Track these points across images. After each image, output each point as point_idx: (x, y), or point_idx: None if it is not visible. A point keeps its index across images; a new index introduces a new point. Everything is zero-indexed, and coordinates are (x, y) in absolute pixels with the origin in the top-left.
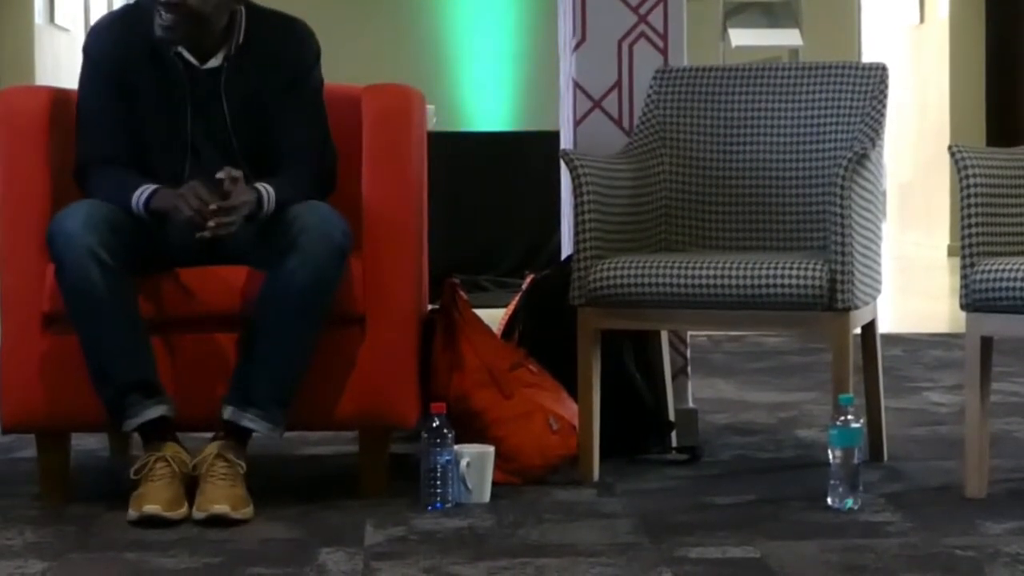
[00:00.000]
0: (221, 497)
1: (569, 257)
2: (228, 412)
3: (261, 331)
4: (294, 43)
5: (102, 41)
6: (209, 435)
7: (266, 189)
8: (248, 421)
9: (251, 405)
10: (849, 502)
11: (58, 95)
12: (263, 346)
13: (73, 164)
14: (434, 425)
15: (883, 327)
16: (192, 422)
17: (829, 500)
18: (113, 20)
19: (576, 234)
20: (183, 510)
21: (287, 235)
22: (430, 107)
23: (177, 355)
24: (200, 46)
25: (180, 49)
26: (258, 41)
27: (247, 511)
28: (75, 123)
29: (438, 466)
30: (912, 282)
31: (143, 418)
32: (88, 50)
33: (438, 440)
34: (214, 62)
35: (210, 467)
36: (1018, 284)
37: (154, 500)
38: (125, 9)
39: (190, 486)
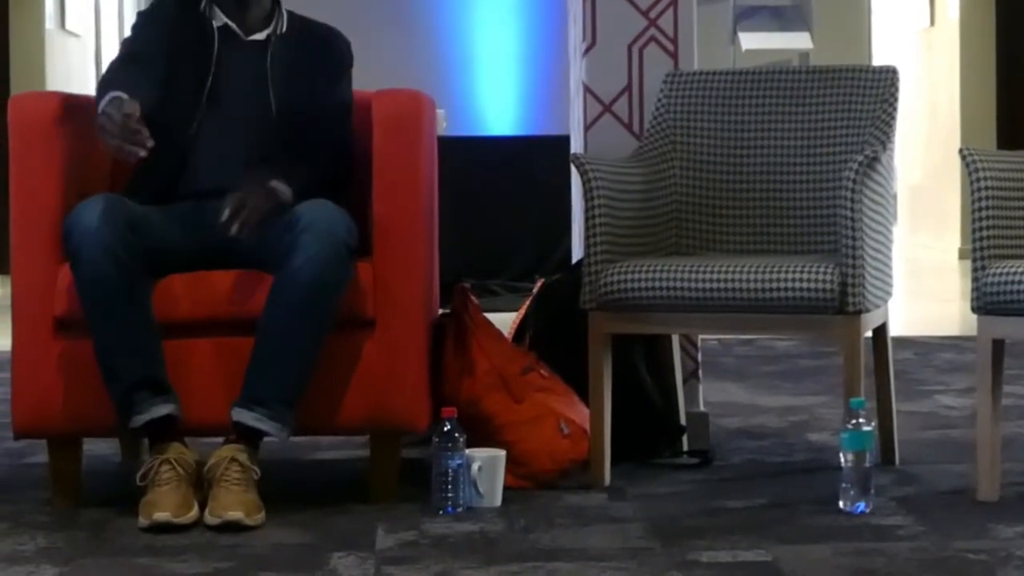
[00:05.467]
0: (234, 503)
1: (580, 261)
2: (236, 413)
3: (268, 330)
4: (334, 45)
5: (156, 6)
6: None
7: (279, 187)
8: (254, 421)
9: (258, 404)
10: (860, 506)
11: (69, 100)
12: (269, 345)
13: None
14: (445, 429)
15: (894, 330)
16: (205, 426)
17: (840, 503)
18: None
19: (586, 238)
20: (193, 513)
21: (291, 234)
22: (440, 112)
23: (191, 358)
24: (248, 17)
25: (227, 21)
26: (300, 36)
27: (260, 517)
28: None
29: (449, 470)
30: (923, 285)
31: (150, 415)
32: (140, 13)
33: (449, 444)
34: (258, 36)
35: (224, 471)
36: None
37: (163, 507)
38: None
39: (198, 485)
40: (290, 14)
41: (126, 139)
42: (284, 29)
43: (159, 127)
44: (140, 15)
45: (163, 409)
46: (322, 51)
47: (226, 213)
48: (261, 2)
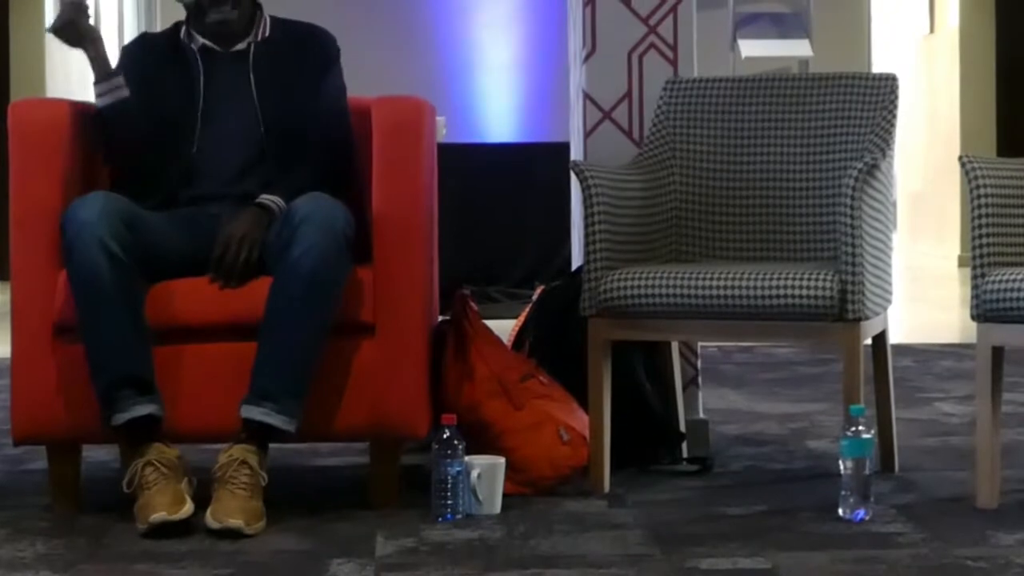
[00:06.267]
0: (237, 510)
1: (579, 268)
2: (244, 410)
3: (271, 323)
4: (317, 41)
5: (126, 55)
6: (221, 446)
7: (271, 200)
8: (263, 415)
9: (265, 399)
10: (860, 513)
11: (69, 107)
12: (273, 339)
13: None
14: (445, 436)
15: (894, 337)
16: (203, 433)
17: (840, 511)
18: (132, 42)
19: (586, 245)
20: (187, 507)
21: (289, 228)
22: (440, 119)
23: (187, 364)
24: (229, 35)
25: (203, 41)
26: (282, 39)
27: (259, 526)
28: None
29: (449, 477)
30: (923, 292)
31: (132, 414)
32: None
33: (449, 451)
34: (240, 47)
35: (232, 473)
36: None
37: (157, 507)
38: (142, 34)
39: (187, 472)
40: (272, 18)
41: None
42: (266, 34)
43: (160, 149)
44: (119, 60)
45: (145, 408)
46: (305, 50)
47: (213, 267)
48: (239, 16)
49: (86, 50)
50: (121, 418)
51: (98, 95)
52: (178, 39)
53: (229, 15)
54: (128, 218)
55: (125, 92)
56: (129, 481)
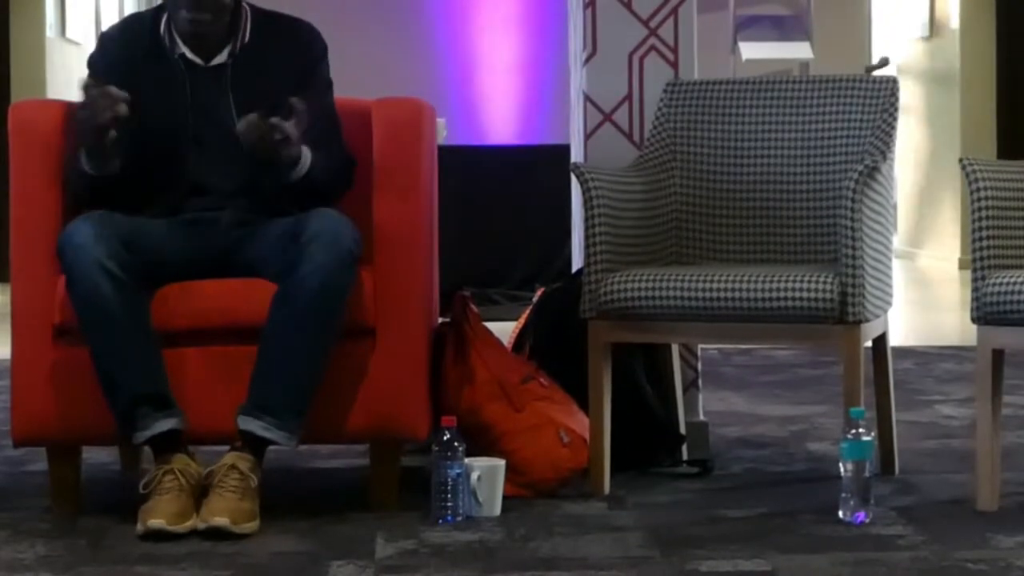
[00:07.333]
0: (223, 509)
1: (580, 270)
2: (243, 421)
3: (275, 339)
4: (301, 40)
5: (105, 52)
6: (226, 448)
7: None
8: (262, 430)
9: (266, 414)
10: (860, 515)
11: (70, 109)
12: (277, 354)
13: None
14: (445, 438)
15: (894, 340)
16: (209, 436)
17: (840, 513)
18: (114, 32)
19: (586, 247)
20: (189, 523)
21: (297, 243)
22: (440, 120)
23: (185, 368)
24: (206, 42)
25: (183, 50)
26: (264, 40)
27: (249, 526)
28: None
29: (449, 479)
30: (923, 295)
31: (153, 431)
32: (92, 63)
33: (449, 453)
34: (219, 59)
35: (222, 478)
36: None
37: (159, 514)
38: (125, 21)
39: (202, 497)
40: (253, 13)
41: (104, 105)
42: (246, 40)
43: (150, 175)
44: (91, 68)
45: (165, 424)
46: (290, 52)
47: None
48: (217, 23)
49: (101, 147)
50: (142, 436)
51: (86, 164)
52: (159, 38)
53: (202, 18)
54: (124, 235)
55: (116, 166)
56: (147, 483)
